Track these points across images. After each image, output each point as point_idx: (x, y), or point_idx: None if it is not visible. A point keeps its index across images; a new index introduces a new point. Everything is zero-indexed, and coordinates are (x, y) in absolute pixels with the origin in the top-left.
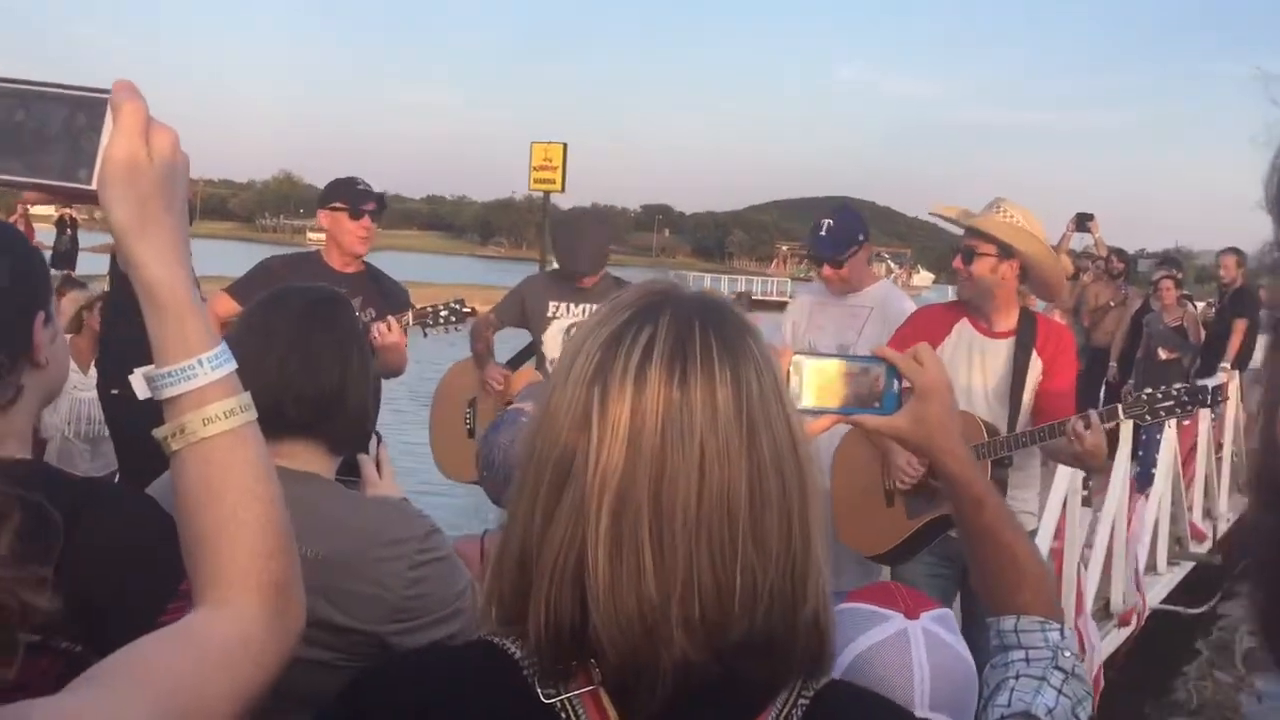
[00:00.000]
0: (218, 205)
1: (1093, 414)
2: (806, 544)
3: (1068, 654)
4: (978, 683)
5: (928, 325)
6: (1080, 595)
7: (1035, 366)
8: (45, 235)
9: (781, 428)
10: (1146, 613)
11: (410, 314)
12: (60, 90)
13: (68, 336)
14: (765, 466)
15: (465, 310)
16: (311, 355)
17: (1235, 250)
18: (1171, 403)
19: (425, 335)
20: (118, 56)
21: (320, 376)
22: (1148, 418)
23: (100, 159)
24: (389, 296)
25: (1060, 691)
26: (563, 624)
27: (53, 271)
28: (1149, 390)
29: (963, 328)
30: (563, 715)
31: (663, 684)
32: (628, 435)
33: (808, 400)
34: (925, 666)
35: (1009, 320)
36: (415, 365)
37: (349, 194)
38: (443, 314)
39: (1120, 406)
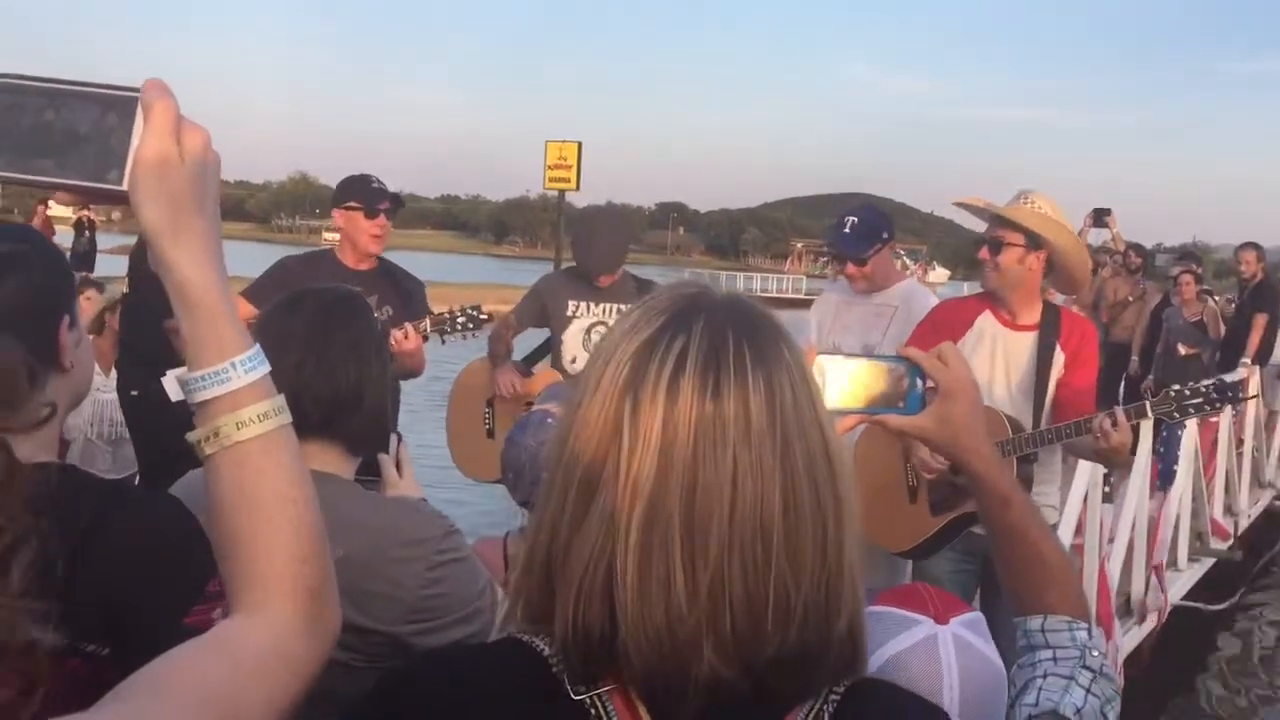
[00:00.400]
0: (234, 206)
1: (1119, 411)
2: (840, 554)
3: (1095, 653)
4: (1006, 687)
5: (949, 319)
6: (1104, 591)
7: (1058, 361)
8: (64, 237)
9: (815, 436)
10: (1168, 609)
11: (428, 320)
12: (90, 89)
13: (90, 338)
14: (799, 477)
15: (481, 316)
16: (328, 356)
17: (1254, 245)
18: (1200, 399)
19: (444, 342)
20: (126, 59)
21: (337, 377)
22: (1175, 415)
23: (131, 159)
24: (405, 292)
25: (1089, 691)
26: (591, 634)
27: (79, 275)
28: (1176, 387)
29: (985, 320)
30: (593, 712)
31: (694, 697)
32: (659, 446)
33: (832, 401)
34: (955, 672)
35: (1033, 313)
36: (429, 364)
37: (363, 192)
38: (459, 320)
39: (1149, 404)
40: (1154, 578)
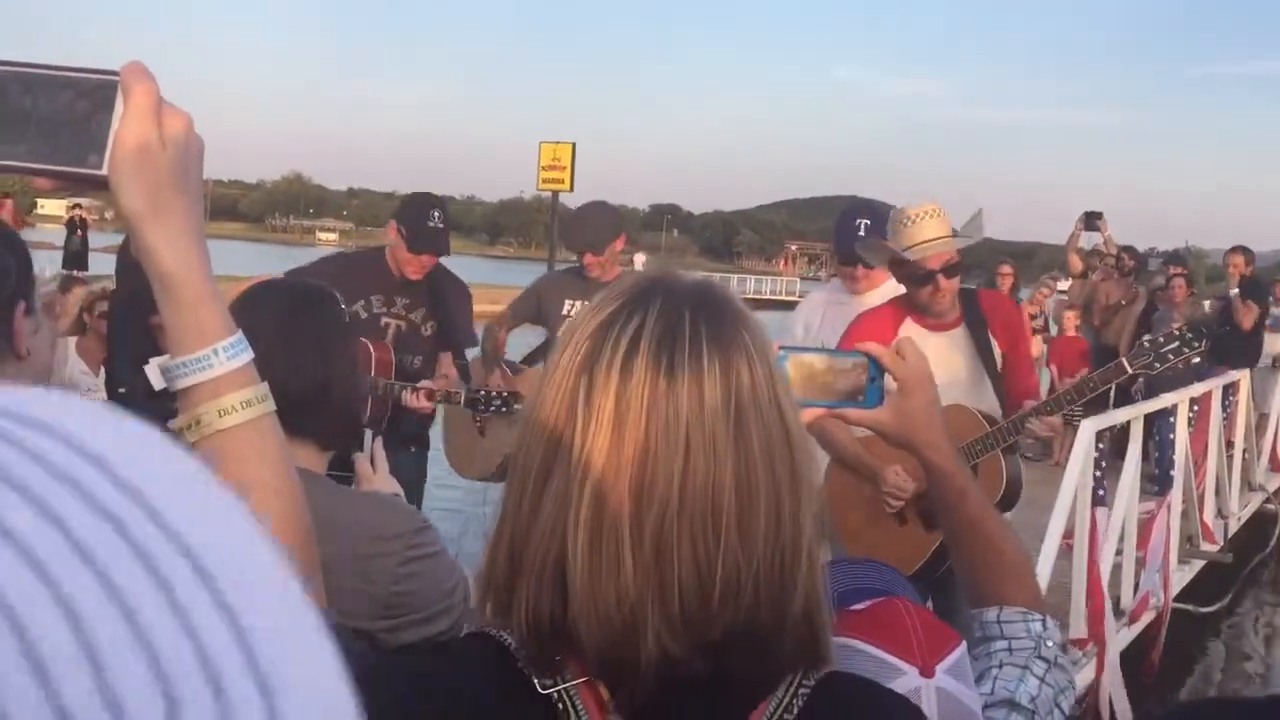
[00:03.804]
0: (228, 206)
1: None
2: (797, 538)
3: (1050, 643)
4: None
5: (873, 329)
6: (1097, 591)
7: (997, 352)
8: (56, 236)
9: (773, 418)
10: (1169, 611)
11: (464, 394)
12: (70, 73)
13: (73, 339)
14: (754, 459)
15: (517, 406)
16: (293, 352)
17: (1243, 249)
18: (1176, 343)
19: (476, 419)
20: (121, 57)
21: (303, 373)
22: (1156, 365)
23: (111, 144)
24: (451, 306)
25: (1043, 680)
26: (543, 615)
27: (62, 273)
28: (1148, 338)
29: (909, 328)
30: (560, 706)
31: (644, 677)
32: (612, 424)
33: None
34: None
35: (953, 308)
36: None
37: (413, 229)
38: (495, 403)
39: (1125, 360)
40: (1157, 578)
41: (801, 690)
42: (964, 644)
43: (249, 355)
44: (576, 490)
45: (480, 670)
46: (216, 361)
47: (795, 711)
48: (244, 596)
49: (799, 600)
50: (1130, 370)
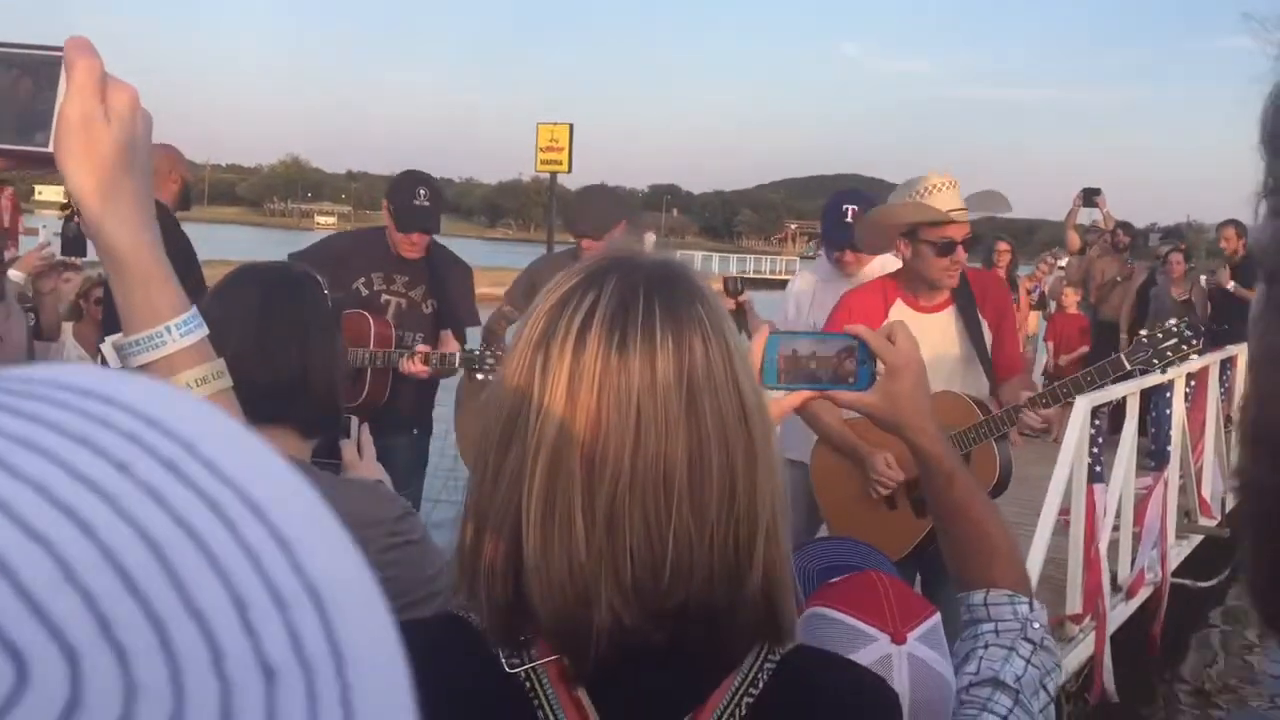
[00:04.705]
0: (226, 190)
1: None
2: (753, 514)
3: (1036, 625)
4: (953, 693)
5: (861, 308)
6: (1094, 567)
7: (987, 329)
8: (54, 223)
9: (729, 397)
10: (1168, 586)
11: (459, 355)
12: (12, 50)
13: (69, 325)
14: (707, 434)
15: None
16: (269, 339)
17: (1235, 222)
18: (1175, 339)
19: (475, 379)
20: (116, 40)
21: (279, 361)
22: (1155, 362)
23: (55, 120)
24: (450, 286)
25: (1029, 662)
26: (502, 588)
27: (59, 257)
28: (1145, 332)
29: (900, 310)
30: (528, 685)
31: (598, 645)
32: (565, 397)
33: (783, 377)
34: (905, 696)
35: (944, 290)
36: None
37: (400, 208)
38: (490, 361)
39: (1123, 356)
40: (1154, 553)
41: (766, 665)
42: (938, 615)
43: (203, 332)
44: (530, 462)
45: (448, 650)
46: (169, 339)
47: (760, 686)
48: (296, 530)
49: (756, 576)
50: (1128, 367)
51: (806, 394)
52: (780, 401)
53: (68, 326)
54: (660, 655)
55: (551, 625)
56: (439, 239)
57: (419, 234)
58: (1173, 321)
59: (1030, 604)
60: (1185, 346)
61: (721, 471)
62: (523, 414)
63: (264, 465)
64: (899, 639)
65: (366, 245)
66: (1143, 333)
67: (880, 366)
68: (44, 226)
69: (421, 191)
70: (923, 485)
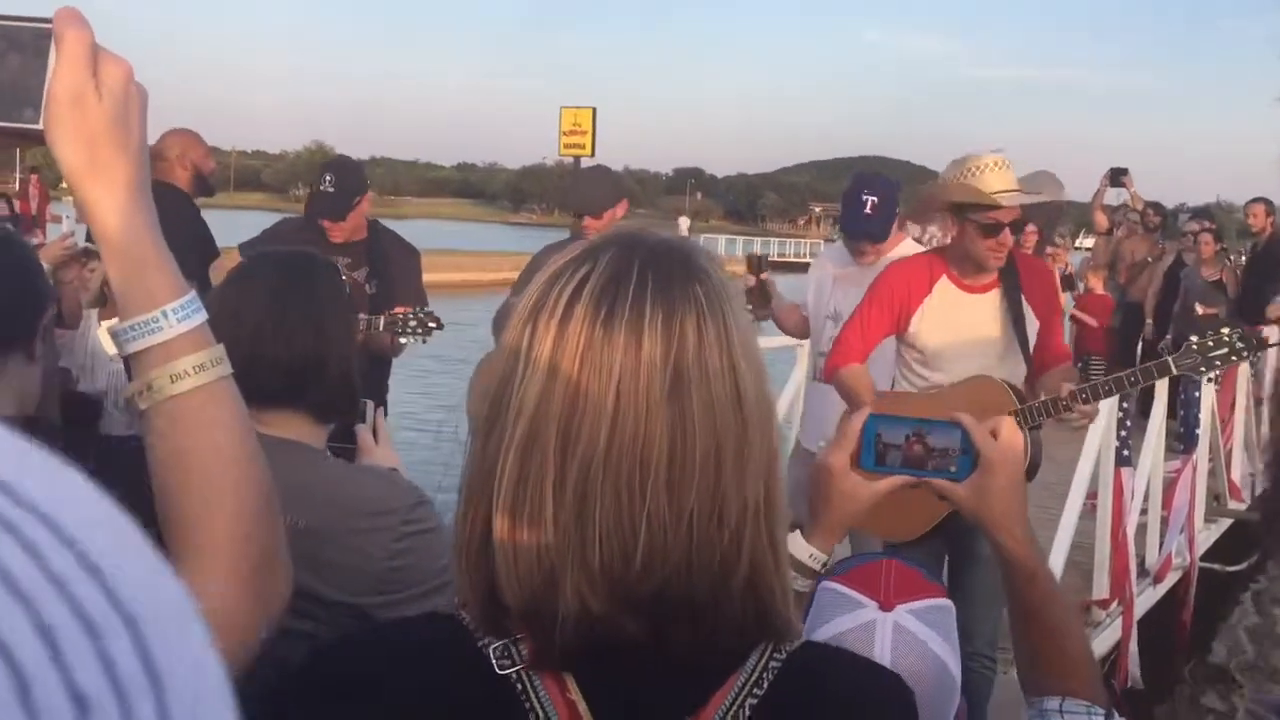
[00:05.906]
0: (251, 177)
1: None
2: (741, 505)
3: None
4: (954, 682)
5: (908, 281)
6: (1122, 550)
7: (1031, 318)
8: (71, 209)
9: (722, 382)
10: (1196, 571)
11: (383, 318)
12: (3, 23)
13: (95, 311)
14: (691, 418)
15: (431, 325)
16: (285, 323)
17: (1263, 199)
18: (1225, 349)
19: (392, 343)
20: (139, 27)
21: (295, 344)
22: (1202, 369)
23: (45, 96)
24: (395, 266)
25: None
26: (477, 564)
27: (81, 244)
28: (1196, 339)
29: (945, 287)
30: (519, 687)
31: (561, 631)
32: (547, 370)
33: (884, 462)
34: (885, 662)
35: (990, 271)
36: (452, 329)
37: (310, 195)
38: (411, 323)
39: (1171, 360)
40: (1182, 538)
41: (772, 664)
42: (948, 603)
43: (202, 317)
44: (508, 439)
45: (437, 650)
46: (166, 324)
47: (765, 686)
48: (109, 558)
49: (742, 570)
50: (1175, 371)
51: (900, 479)
52: (876, 485)
53: (91, 313)
54: (646, 651)
55: (519, 608)
56: (456, 223)
57: (325, 220)
58: (1226, 330)
59: (1106, 715)
60: (1235, 357)
61: (705, 459)
62: (507, 390)
63: (73, 493)
64: (886, 607)
65: (311, 229)
66: (1193, 339)
67: (975, 452)
68: (67, 216)
69: (327, 178)
70: (1004, 582)
